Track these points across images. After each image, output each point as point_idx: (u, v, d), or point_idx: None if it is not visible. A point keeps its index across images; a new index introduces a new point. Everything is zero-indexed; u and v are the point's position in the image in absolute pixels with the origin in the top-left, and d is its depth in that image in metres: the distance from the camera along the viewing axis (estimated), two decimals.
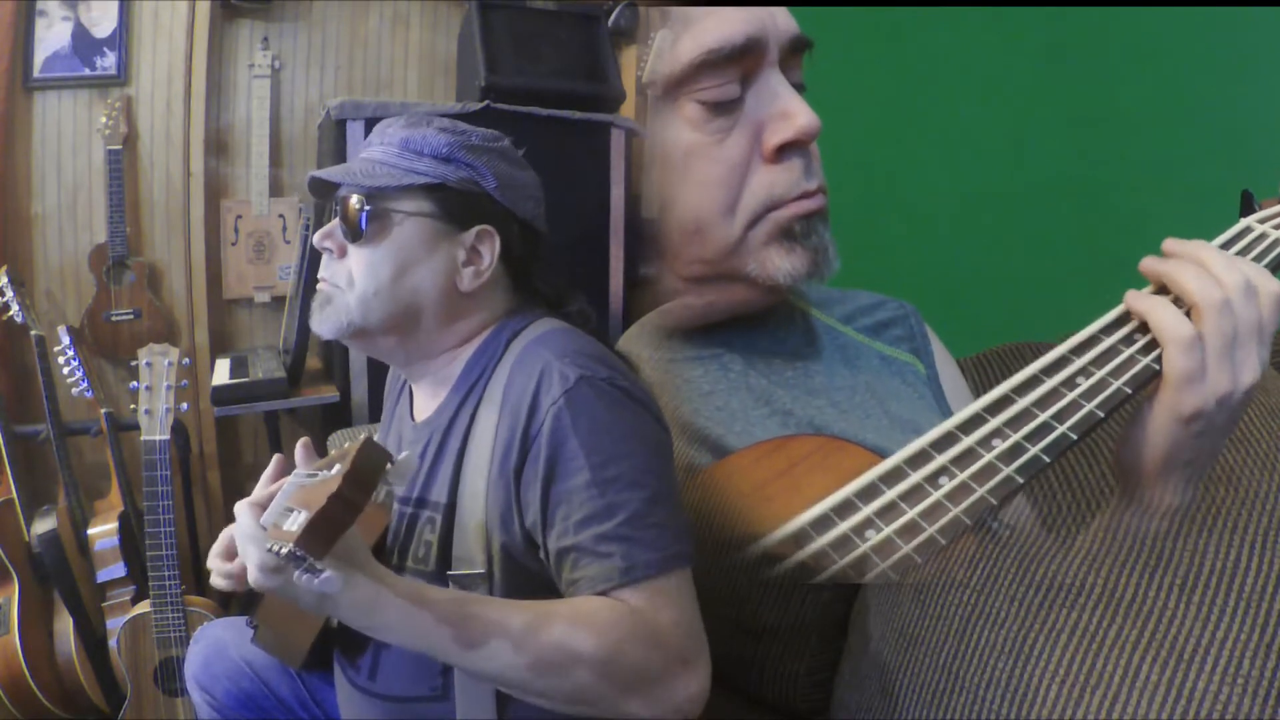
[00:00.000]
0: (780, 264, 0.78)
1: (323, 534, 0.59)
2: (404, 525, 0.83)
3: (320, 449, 0.78)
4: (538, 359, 0.77)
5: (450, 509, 0.79)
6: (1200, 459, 0.64)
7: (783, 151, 0.77)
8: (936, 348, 0.96)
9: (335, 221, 0.82)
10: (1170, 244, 0.67)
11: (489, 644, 0.66)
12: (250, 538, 0.67)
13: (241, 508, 0.72)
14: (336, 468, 0.62)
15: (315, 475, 0.64)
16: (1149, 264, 0.66)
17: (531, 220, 0.87)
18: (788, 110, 0.76)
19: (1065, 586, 0.73)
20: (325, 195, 0.86)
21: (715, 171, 0.77)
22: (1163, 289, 0.65)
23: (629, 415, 0.75)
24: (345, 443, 1.08)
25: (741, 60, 0.75)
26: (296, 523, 0.59)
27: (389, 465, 0.65)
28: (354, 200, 0.80)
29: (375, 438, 0.93)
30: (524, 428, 0.74)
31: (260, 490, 0.76)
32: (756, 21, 0.75)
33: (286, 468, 0.79)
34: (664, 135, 0.79)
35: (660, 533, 0.71)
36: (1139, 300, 0.63)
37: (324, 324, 0.83)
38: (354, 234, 0.81)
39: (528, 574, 0.76)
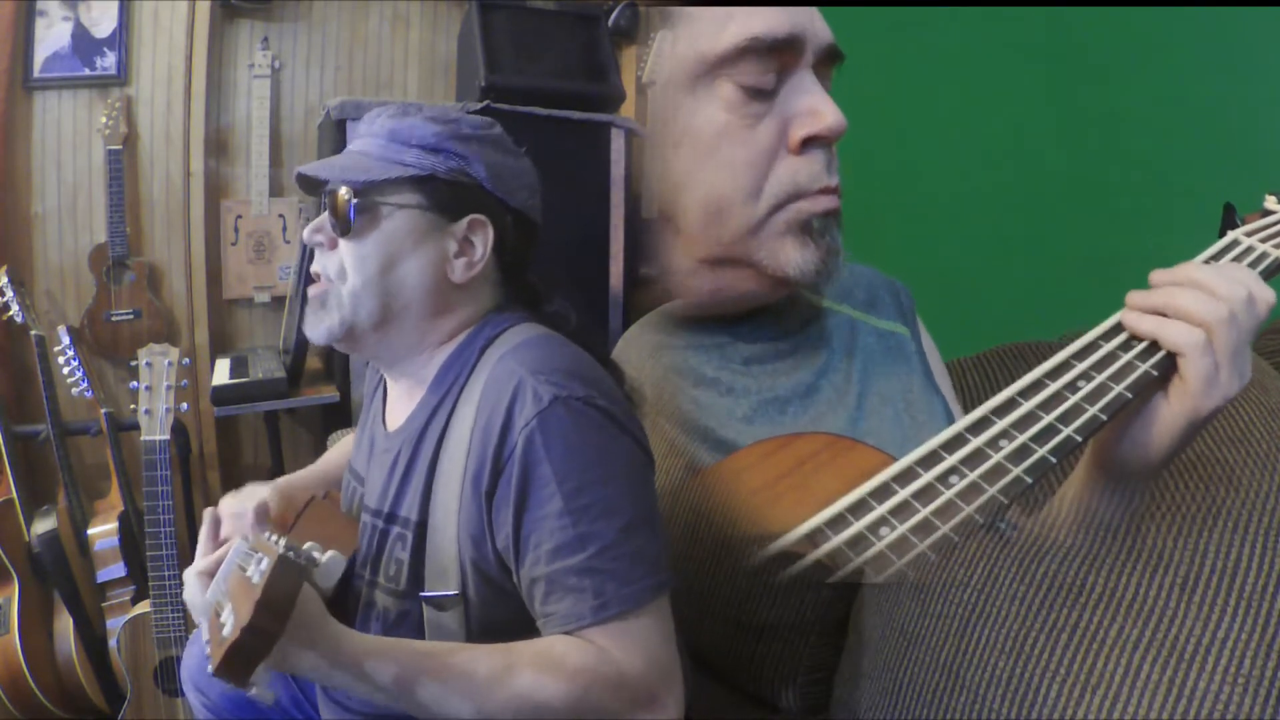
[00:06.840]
0: (793, 256, 0.80)
1: (240, 664, 0.59)
2: (374, 539, 0.82)
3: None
4: (512, 374, 0.74)
5: (421, 527, 0.77)
6: None
7: (808, 145, 0.80)
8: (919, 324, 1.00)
9: (324, 215, 0.80)
10: (1158, 275, 0.67)
11: (448, 703, 0.66)
12: (199, 610, 0.70)
13: (190, 577, 0.74)
14: (265, 565, 0.60)
15: (252, 556, 0.62)
16: (1139, 300, 0.66)
17: (525, 210, 0.84)
18: (817, 107, 0.79)
19: (1065, 586, 0.73)
20: (314, 191, 0.84)
21: (744, 154, 0.79)
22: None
23: (605, 437, 0.73)
24: (343, 438, 1.08)
25: (781, 53, 0.78)
26: (227, 626, 0.60)
27: (315, 570, 0.64)
28: (342, 192, 0.78)
29: (351, 438, 0.93)
30: (496, 447, 0.72)
31: (201, 557, 0.76)
32: (799, 22, 0.79)
33: (218, 525, 0.79)
34: (695, 115, 0.80)
35: (634, 564, 0.69)
36: (1141, 322, 0.64)
37: (318, 326, 0.81)
38: (344, 227, 0.79)
39: (503, 594, 0.75)
